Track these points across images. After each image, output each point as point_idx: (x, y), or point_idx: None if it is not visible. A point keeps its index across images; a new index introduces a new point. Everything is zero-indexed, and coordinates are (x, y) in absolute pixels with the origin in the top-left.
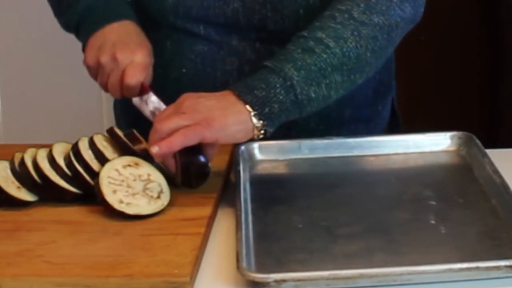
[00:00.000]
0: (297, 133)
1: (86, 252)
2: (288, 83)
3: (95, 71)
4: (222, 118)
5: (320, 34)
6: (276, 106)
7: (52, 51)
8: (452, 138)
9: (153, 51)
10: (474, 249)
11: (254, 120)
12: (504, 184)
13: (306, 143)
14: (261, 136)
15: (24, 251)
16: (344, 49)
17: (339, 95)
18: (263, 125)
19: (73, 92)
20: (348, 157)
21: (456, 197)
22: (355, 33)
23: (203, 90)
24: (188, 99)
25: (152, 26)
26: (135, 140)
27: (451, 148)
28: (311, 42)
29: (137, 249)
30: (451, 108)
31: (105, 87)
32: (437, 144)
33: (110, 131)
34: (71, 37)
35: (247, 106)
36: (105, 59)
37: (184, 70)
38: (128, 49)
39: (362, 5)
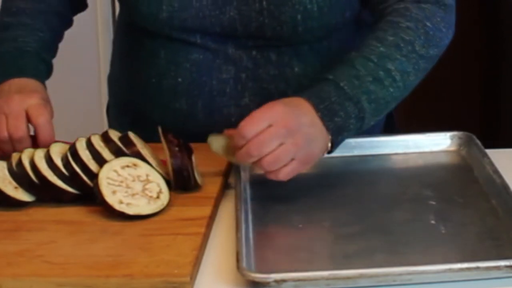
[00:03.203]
0: None
1: (86, 252)
2: (361, 115)
3: None
4: (316, 152)
5: (389, 65)
6: (346, 134)
7: None
8: (452, 138)
9: (147, 60)
10: (474, 249)
11: (328, 145)
12: (504, 184)
13: None
14: None
15: (24, 251)
16: (407, 83)
17: None
18: (329, 151)
19: (73, 92)
20: (348, 157)
21: (456, 197)
22: (416, 67)
23: (199, 100)
24: (290, 120)
25: (146, 36)
26: (129, 144)
27: (451, 148)
28: (381, 73)
29: (137, 249)
30: (451, 108)
31: None
32: (437, 144)
33: (104, 136)
34: (71, 37)
35: (328, 135)
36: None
37: (179, 79)
38: (22, 94)
39: (422, 37)
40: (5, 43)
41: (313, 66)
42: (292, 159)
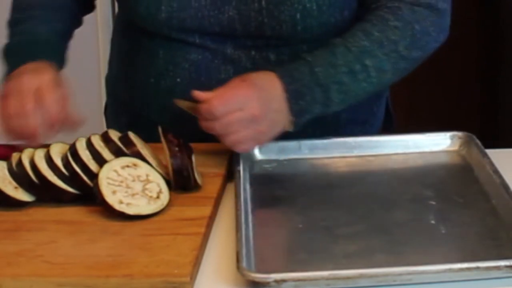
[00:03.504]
0: (292, 138)
1: (86, 252)
2: (328, 103)
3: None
4: (276, 134)
5: (368, 61)
6: (308, 116)
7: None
8: (452, 138)
9: (146, 60)
10: (474, 249)
11: (288, 126)
12: (504, 184)
13: (306, 143)
14: None
15: (24, 251)
16: (381, 80)
17: None
18: (288, 128)
19: (73, 92)
20: (348, 157)
21: (456, 197)
22: (395, 66)
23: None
24: (258, 108)
25: (144, 36)
26: (129, 144)
27: (451, 148)
28: (358, 66)
29: (137, 249)
30: (451, 108)
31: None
32: (437, 144)
33: (104, 136)
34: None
35: (291, 116)
36: (10, 86)
37: (178, 80)
38: (33, 73)
39: (408, 39)
40: (16, 35)
41: None
42: (252, 140)
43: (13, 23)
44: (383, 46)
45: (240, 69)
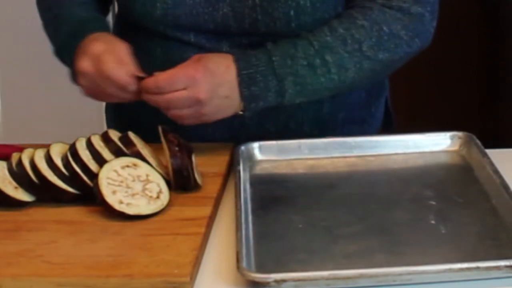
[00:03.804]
0: (290, 138)
1: (86, 252)
2: (282, 92)
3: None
4: (219, 118)
5: (328, 57)
6: (261, 103)
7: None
8: (452, 138)
9: (144, 59)
10: (474, 249)
11: (238, 112)
12: (504, 184)
13: (306, 143)
14: None
15: (24, 251)
16: (342, 77)
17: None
18: (241, 112)
19: (73, 92)
20: (348, 157)
21: (456, 197)
22: (358, 65)
23: None
24: (204, 92)
25: (142, 34)
26: (129, 144)
27: (451, 148)
28: (317, 61)
29: (137, 249)
30: (451, 108)
31: (102, 95)
32: (437, 144)
33: (104, 136)
34: None
35: (242, 102)
36: (85, 63)
37: None
38: (103, 42)
39: (374, 39)
40: (66, 24)
41: None
42: (194, 118)
43: (53, 19)
44: (346, 44)
45: None
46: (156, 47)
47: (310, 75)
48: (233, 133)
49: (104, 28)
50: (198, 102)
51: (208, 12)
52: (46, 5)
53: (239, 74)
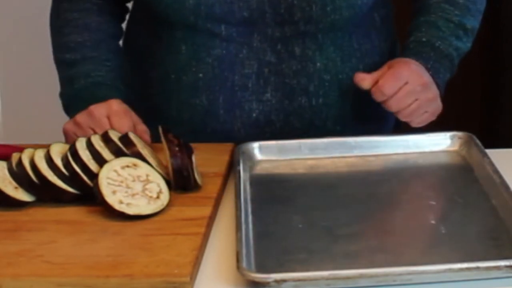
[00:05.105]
0: (314, 134)
1: (86, 252)
2: (454, 69)
3: (72, 135)
4: (440, 106)
5: (468, 25)
6: (442, 90)
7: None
8: (452, 138)
9: (166, 57)
10: (474, 249)
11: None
12: (504, 184)
13: (306, 143)
14: None
15: (24, 251)
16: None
17: None
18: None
19: None
20: (348, 157)
21: (456, 197)
22: (479, 21)
23: (220, 95)
24: (423, 77)
25: (165, 30)
26: (129, 144)
27: (451, 148)
28: (460, 32)
29: (137, 249)
30: (451, 108)
31: None
32: (437, 144)
33: (104, 136)
34: None
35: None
36: (80, 117)
37: (200, 75)
38: (101, 102)
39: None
40: (79, 79)
41: (334, 62)
42: (425, 112)
43: (67, 64)
44: (469, 9)
45: (264, 64)
46: (180, 44)
47: (461, 44)
48: (259, 130)
49: (115, 92)
50: (423, 87)
51: None
52: (60, 30)
53: (428, 68)
